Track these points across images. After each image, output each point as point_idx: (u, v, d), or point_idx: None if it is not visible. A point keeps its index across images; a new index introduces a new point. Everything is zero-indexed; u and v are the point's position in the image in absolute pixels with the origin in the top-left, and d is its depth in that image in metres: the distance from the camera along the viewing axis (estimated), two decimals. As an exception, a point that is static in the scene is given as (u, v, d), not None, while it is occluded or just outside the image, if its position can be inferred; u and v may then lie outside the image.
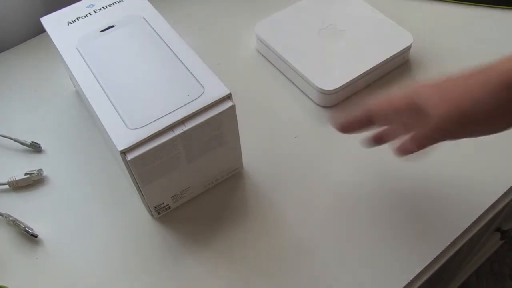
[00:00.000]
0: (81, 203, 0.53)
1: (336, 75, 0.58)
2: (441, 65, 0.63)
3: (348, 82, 0.58)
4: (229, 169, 0.53)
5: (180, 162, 0.46)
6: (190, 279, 0.47)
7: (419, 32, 0.65)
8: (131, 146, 0.42)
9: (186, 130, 0.43)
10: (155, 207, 0.50)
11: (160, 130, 0.43)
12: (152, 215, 0.51)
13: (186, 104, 0.44)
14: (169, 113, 0.44)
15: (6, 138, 0.58)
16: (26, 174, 0.54)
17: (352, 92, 0.60)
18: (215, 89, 0.45)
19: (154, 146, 0.42)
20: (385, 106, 0.44)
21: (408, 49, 0.61)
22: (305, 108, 0.60)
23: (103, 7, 0.54)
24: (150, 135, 0.43)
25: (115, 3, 0.54)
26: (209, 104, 0.44)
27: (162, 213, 0.51)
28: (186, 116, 0.44)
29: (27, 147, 0.57)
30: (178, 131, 0.43)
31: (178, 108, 0.44)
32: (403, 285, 0.46)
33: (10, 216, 0.51)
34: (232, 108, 0.45)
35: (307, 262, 0.48)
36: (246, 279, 0.47)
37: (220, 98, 0.45)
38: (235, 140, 0.50)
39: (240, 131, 0.49)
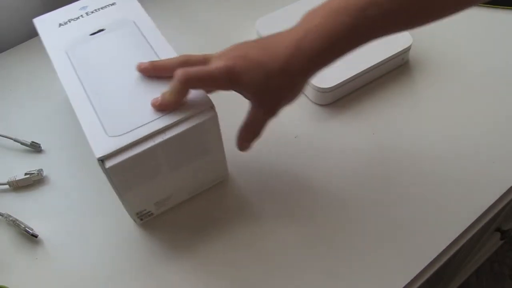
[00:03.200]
0: (81, 203, 0.53)
1: (333, 74, 0.58)
2: (441, 67, 0.63)
3: (345, 80, 0.58)
4: (213, 179, 0.52)
5: (161, 170, 0.45)
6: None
7: (419, 34, 0.65)
8: (110, 153, 0.42)
9: (167, 139, 0.43)
10: (137, 214, 0.49)
11: (140, 139, 0.42)
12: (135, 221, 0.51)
13: (167, 113, 0.44)
14: (150, 122, 0.43)
15: (6, 138, 0.58)
16: (26, 174, 0.54)
17: (349, 91, 0.60)
18: (197, 99, 0.45)
19: (133, 154, 0.42)
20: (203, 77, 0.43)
21: (407, 50, 0.61)
22: (301, 106, 0.60)
23: (95, 10, 0.53)
24: (129, 143, 0.42)
25: (107, 6, 0.54)
26: (191, 113, 0.44)
27: (145, 219, 0.50)
28: (167, 126, 0.43)
29: (27, 147, 0.57)
30: (158, 139, 0.43)
31: (160, 117, 0.43)
32: (403, 285, 0.46)
33: (10, 216, 0.51)
34: (214, 117, 0.45)
35: (307, 261, 0.48)
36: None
37: (202, 108, 0.44)
38: (219, 150, 0.49)
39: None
